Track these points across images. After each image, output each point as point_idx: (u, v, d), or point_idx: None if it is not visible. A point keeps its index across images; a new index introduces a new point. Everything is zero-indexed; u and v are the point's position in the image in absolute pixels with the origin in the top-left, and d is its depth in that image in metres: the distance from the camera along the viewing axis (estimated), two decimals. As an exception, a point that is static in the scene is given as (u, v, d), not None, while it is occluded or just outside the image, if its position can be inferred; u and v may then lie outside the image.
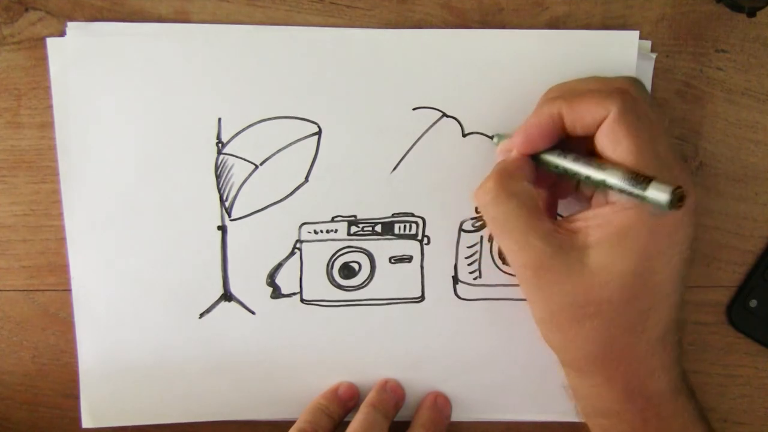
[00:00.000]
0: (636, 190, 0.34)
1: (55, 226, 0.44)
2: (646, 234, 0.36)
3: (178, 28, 0.42)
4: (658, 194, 0.33)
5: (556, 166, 0.39)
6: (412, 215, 0.44)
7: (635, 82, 0.39)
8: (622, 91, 0.37)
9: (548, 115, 0.38)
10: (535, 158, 0.40)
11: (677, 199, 0.33)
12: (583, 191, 0.41)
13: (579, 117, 0.37)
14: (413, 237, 0.44)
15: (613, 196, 0.37)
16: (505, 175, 0.39)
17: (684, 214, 0.37)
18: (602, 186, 0.36)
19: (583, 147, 0.38)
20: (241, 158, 0.43)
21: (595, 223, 0.37)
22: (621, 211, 0.36)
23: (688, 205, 0.36)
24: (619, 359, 0.38)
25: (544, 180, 0.41)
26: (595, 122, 0.37)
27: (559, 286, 0.37)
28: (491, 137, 0.43)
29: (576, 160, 0.38)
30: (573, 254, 0.37)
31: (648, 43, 0.43)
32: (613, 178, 0.36)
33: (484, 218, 0.39)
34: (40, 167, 0.43)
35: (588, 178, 0.37)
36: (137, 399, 0.45)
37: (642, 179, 0.34)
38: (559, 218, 0.39)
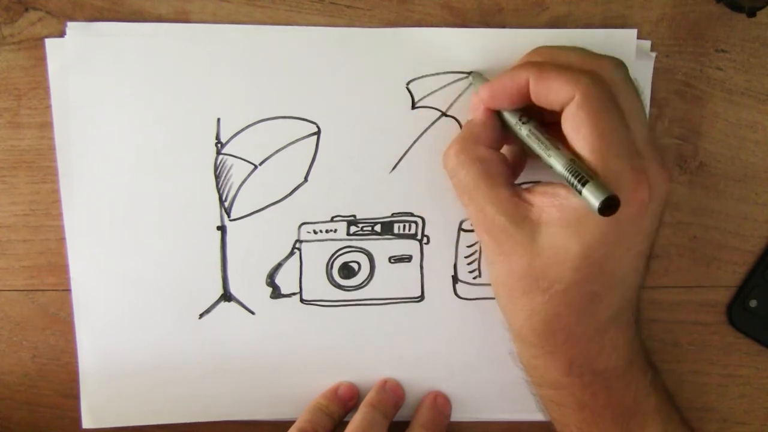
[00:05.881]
0: (574, 185, 0.34)
1: (55, 226, 0.44)
2: (601, 223, 0.35)
3: (178, 28, 0.42)
4: (591, 197, 0.33)
5: (512, 131, 0.39)
6: (412, 215, 0.44)
7: (615, 64, 0.38)
8: (593, 73, 0.36)
9: (514, 81, 0.38)
10: (498, 114, 0.40)
11: (607, 207, 0.33)
12: None
13: (544, 93, 0.37)
14: (413, 236, 0.44)
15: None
16: (469, 140, 0.39)
17: (650, 206, 0.36)
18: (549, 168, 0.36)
19: (555, 117, 0.37)
20: (240, 158, 0.43)
21: (552, 201, 0.36)
22: (577, 196, 0.35)
23: (653, 197, 0.36)
24: (565, 337, 0.38)
25: (511, 135, 0.40)
26: (559, 102, 0.36)
27: (514, 254, 0.37)
28: (468, 74, 0.43)
29: (530, 132, 0.38)
30: (527, 227, 0.37)
31: (648, 43, 0.43)
32: (557, 166, 0.35)
33: (450, 181, 0.40)
34: (40, 167, 0.43)
35: (537, 156, 0.37)
36: (137, 399, 0.45)
37: (581, 176, 0.34)
38: (530, 185, 0.39)
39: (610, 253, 0.36)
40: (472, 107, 0.41)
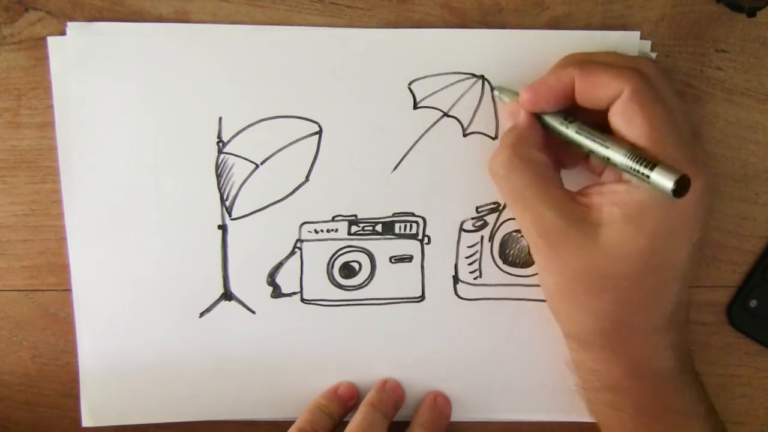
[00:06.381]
0: (640, 172, 0.34)
1: (55, 226, 0.44)
2: (664, 213, 0.36)
3: (178, 28, 0.42)
4: (663, 180, 0.33)
5: (559, 133, 0.39)
6: (413, 215, 0.44)
7: (653, 62, 0.38)
8: (638, 70, 0.37)
9: (560, 79, 0.38)
10: (538, 119, 0.39)
11: (681, 187, 0.33)
12: (593, 163, 0.41)
13: (591, 89, 0.37)
14: (414, 237, 0.44)
15: (626, 175, 0.37)
16: (520, 144, 0.39)
17: (701, 195, 0.37)
18: (606, 162, 0.36)
19: (593, 118, 0.38)
20: (241, 157, 0.43)
21: (611, 200, 0.37)
22: (637, 190, 0.36)
23: (706, 185, 0.36)
24: (629, 334, 0.38)
25: (549, 144, 0.40)
26: (607, 98, 0.36)
27: (575, 258, 0.37)
28: (492, 89, 0.43)
29: (579, 130, 0.38)
30: (587, 229, 0.37)
31: (648, 43, 0.43)
32: (617, 156, 0.36)
33: (498, 188, 0.39)
34: (40, 167, 0.43)
35: (591, 151, 0.37)
36: (137, 398, 0.45)
37: (646, 162, 0.34)
38: (581, 189, 0.39)
39: (672, 244, 0.37)
40: (507, 115, 0.41)
